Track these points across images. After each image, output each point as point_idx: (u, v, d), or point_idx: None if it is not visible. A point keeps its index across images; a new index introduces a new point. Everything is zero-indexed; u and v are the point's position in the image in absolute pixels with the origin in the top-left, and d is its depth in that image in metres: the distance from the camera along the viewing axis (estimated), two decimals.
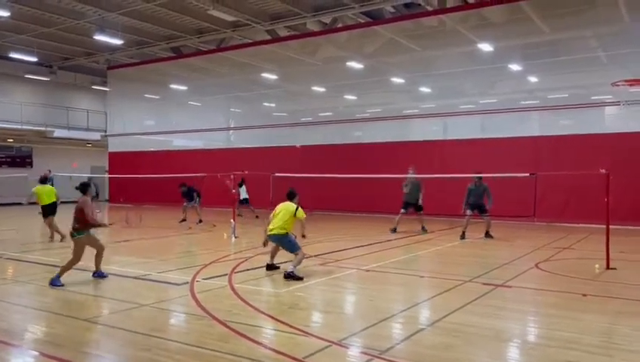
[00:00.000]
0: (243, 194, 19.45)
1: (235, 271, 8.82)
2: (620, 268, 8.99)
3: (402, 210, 14.83)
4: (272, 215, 8.76)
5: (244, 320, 5.86)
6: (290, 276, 8.09)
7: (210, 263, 9.60)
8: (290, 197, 8.89)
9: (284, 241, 8.57)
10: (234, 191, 14.93)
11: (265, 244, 8.79)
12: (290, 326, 5.62)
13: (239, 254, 10.92)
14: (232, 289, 7.43)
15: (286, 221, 8.50)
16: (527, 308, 6.81)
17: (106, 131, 30.69)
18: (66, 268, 7.82)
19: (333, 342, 5.11)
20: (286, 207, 8.67)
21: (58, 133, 29.09)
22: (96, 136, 31.03)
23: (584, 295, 7.15)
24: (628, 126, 16.86)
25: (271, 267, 8.86)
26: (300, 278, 8.06)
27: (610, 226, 9.21)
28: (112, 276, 8.34)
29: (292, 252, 8.50)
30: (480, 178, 13.34)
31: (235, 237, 13.44)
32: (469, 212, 13.40)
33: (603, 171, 9.05)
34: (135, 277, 8.28)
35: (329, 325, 6.01)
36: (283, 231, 8.49)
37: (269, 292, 7.63)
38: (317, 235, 14.46)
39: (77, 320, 5.99)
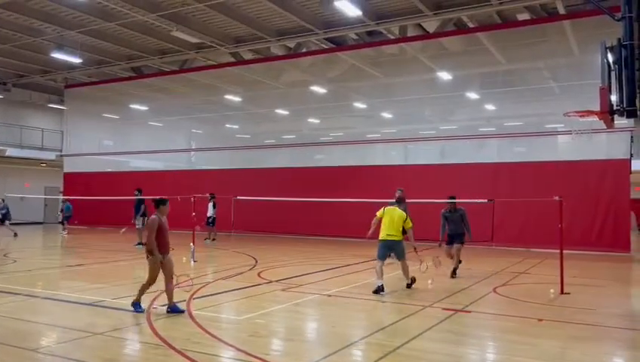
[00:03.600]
0: (210, 211, 18.63)
1: (194, 297, 8.61)
2: (573, 293, 9.25)
3: None
4: (378, 218, 9.00)
5: (203, 349, 5.71)
6: (411, 283, 9.23)
7: None
8: (400, 201, 9.25)
9: (399, 247, 9.02)
10: (193, 214, 14.51)
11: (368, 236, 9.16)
12: (250, 355, 5.50)
13: (198, 279, 10.68)
14: (191, 316, 7.25)
15: (401, 227, 8.96)
16: (485, 333, 6.91)
17: (61, 151, 29.80)
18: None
19: None
20: (400, 214, 8.98)
21: (11, 152, 28.01)
22: (52, 155, 30.04)
23: (540, 320, 7.31)
24: (579, 154, 17.57)
25: (382, 288, 8.83)
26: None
27: (564, 251, 9.53)
28: (64, 302, 8.02)
29: (402, 259, 9.05)
30: (454, 203, 11.43)
31: (195, 261, 13.16)
32: (446, 246, 11.39)
33: (556, 198, 9.38)
34: (88, 304, 7.97)
35: (290, 353, 5.93)
36: (399, 237, 8.96)
37: (229, 319, 7.48)
38: (280, 259, 14.36)
39: (25, 350, 5.70)
